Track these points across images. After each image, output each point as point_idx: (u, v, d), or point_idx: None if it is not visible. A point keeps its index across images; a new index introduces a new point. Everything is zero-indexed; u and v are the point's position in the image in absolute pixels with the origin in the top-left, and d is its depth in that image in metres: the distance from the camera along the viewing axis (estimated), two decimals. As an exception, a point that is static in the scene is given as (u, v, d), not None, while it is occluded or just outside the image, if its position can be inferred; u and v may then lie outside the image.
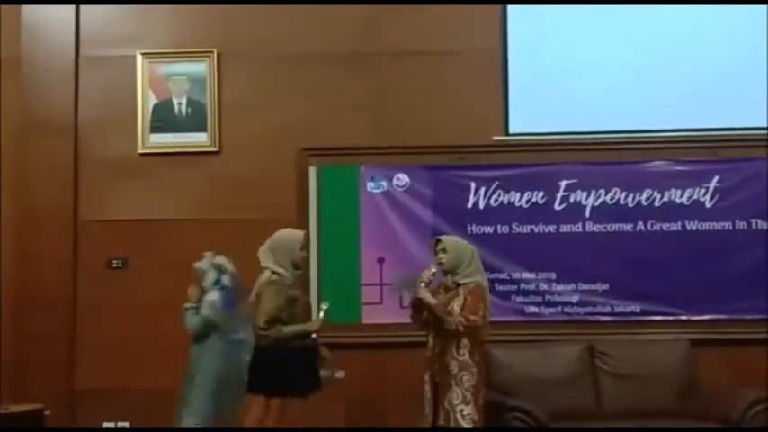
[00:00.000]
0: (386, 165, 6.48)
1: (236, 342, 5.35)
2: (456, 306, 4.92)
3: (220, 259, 5.55)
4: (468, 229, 6.30)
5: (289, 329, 4.66)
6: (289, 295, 4.71)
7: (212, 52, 6.60)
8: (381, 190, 6.47)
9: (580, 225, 6.40)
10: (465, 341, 4.90)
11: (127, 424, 6.38)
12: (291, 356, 4.67)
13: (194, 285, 5.56)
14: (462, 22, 6.54)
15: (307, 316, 4.84)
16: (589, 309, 6.32)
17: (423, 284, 4.95)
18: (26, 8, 6.58)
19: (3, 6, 6.58)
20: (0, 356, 6.24)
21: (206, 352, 5.44)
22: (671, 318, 6.29)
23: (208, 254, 5.57)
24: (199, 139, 6.61)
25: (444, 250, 5.05)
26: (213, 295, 5.44)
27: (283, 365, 4.64)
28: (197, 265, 5.54)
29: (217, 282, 5.47)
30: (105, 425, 6.35)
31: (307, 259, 5.04)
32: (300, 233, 4.91)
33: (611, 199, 6.40)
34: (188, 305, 5.50)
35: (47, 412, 5.71)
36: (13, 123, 6.54)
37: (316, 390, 4.74)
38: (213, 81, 6.59)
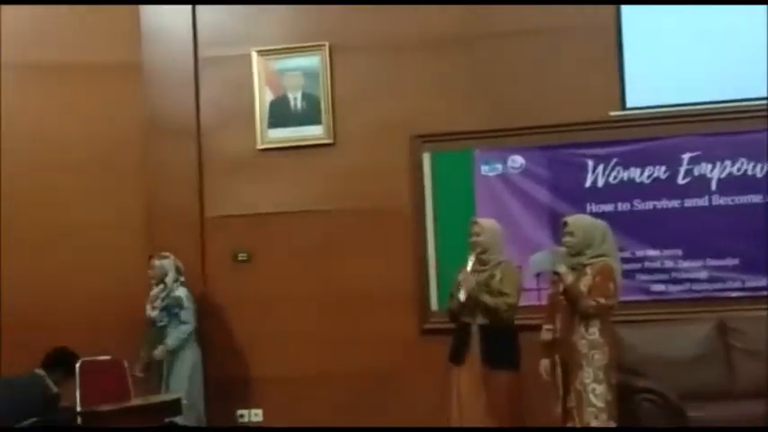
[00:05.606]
0: (500, 147, 6.41)
1: None
2: (582, 286, 4.86)
3: None
4: (588, 208, 6.18)
5: None
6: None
7: (324, 45, 6.68)
8: (496, 173, 6.41)
9: (706, 199, 6.18)
10: (595, 320, 4.84)
11: (260, 411, 6.59)
12: None
13: None
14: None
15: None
16: (719, 285, 6.10)
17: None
18: (145, 14, 6.83)
19: (122, 13, 6.83)
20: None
21: None
22: (806, 291, 6.00)
23: None
24: (314, 132, 6.71)
25: (571, 234, 4.98)
26: None
27: None
28: None
29: None
30: (239, 413, 6.59)
31: (474, 244, 5.31)
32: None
33: (739, 170, 6.14)
34: None
35: (184, 401, 5.90)
36: (137, 127, 6.80)
37: None
38: (326, 74, 6.68)
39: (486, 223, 5.37)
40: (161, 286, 6.23)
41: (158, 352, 6.07)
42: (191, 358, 6.17)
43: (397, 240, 6.47)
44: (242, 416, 6.60)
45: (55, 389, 5.49)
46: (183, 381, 6.08)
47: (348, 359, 6.42)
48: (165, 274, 6.24)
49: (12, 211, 6.88)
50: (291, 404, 6.46)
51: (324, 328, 6.50)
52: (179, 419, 5.74)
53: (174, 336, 6.09)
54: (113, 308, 6.57)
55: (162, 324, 6.14)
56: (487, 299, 5.12)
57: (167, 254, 6.31)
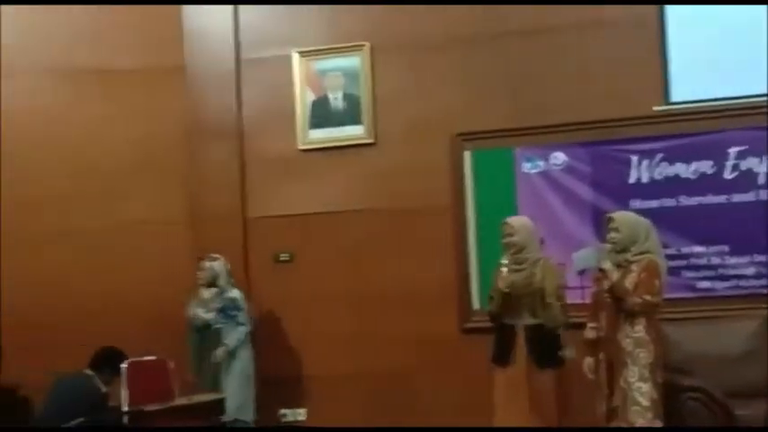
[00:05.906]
0: (541, 144, 6.36)
1: None
2: (628, 284, 4.83)
3: None
4: (632, 204, 6.09)
5: None
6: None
7: (364, 46, 6.69)
8: (538, 170, 6.37)
9: (753, 193, 6.07)
10: (640, 318, 4.81)
11: (303, 410, 6.63)
12: None
13: None
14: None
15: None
16: (766, 281, 5.98)
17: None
18: (187, 17, 6.90)
19: (165, 15, 6.89)
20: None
21: None
22: None
23: None
24: (355, 132, 6.73)
25: (617, 230, 4.96)
26: None
27: None
28: None
29: None
30: (282, 412, 6.64)
31: (508, 245, 5.29)
32: None
33: (787, 164, 6.03)
34: None
35: (239, 401, 5.99)
36: (180, 129, 6.86)
37: None
38: (367, 74, 6.69)
39: (518, 222, 5.34)
40: (214, 289, 6.24)
41: (220, 353, 6.08)
42: (246, 358, 6.20)
43: (438, 239, 6.46)
44: (284, 415, 6.65)
45: (104, 389, 5.57)
46: (241, 380, 6.12)
47: (390, 358, 6.44)
48: (216, 276, 6.25)
49: (42, 212, 6.93)
50: (333, 403, 6.49)
51: (365, 328, 6.52)
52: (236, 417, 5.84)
53: (234, 337, 6.12)
54: (158, 309, 6.60)
55: (218, 326, 6.16)
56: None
57: (217, 255, 6.32)
